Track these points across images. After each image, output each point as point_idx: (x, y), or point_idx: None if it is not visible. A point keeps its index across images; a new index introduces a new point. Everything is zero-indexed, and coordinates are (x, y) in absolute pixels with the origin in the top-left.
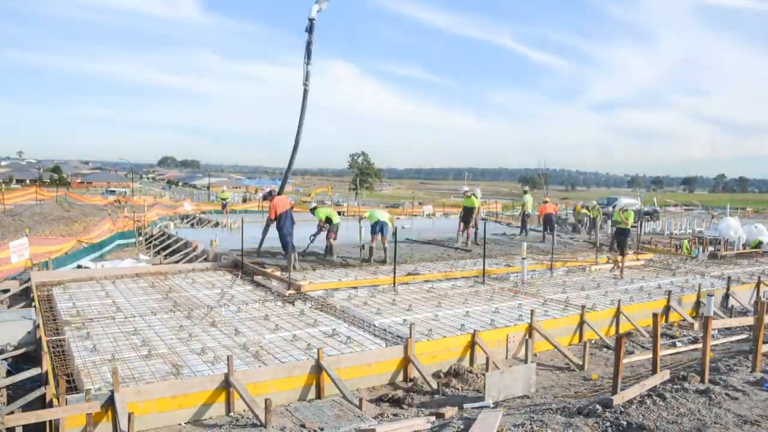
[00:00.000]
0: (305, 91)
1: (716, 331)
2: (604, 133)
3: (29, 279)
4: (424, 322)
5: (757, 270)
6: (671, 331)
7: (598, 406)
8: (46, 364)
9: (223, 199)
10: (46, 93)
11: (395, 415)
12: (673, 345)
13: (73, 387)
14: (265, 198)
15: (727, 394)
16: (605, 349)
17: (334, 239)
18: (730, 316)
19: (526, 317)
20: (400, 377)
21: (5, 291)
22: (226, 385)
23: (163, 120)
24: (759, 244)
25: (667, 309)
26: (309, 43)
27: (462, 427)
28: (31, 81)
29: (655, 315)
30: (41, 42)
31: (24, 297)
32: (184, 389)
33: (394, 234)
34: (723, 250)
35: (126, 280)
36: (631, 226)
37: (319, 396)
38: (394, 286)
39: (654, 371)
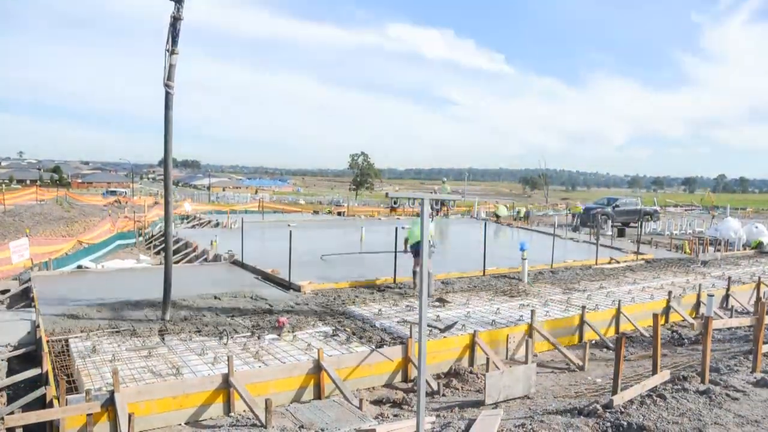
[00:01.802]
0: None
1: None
2: None
3: (29, 279)
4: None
5: (758, 270)
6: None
7: (598, 407)
8: (46, 364)
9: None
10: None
11: (396, 415)
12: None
13: (73, 387)
14: None
15: (727, 395)
16: (605, 350)
17: None
18: (731, 317)
19: (526, 317)
20: (401, 378)
21: (5, 291)
22: (227, 386)
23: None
24: (759, 245)
25: (668, 309)
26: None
27: (462, 427)
28: None
29: (655, 315)
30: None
31: (24, 297)
32: (184, 389)
33: None
34: (723, 250)
35: None
36: None
37: (319, 396)
38: (394, 284)
39: (654, 371)
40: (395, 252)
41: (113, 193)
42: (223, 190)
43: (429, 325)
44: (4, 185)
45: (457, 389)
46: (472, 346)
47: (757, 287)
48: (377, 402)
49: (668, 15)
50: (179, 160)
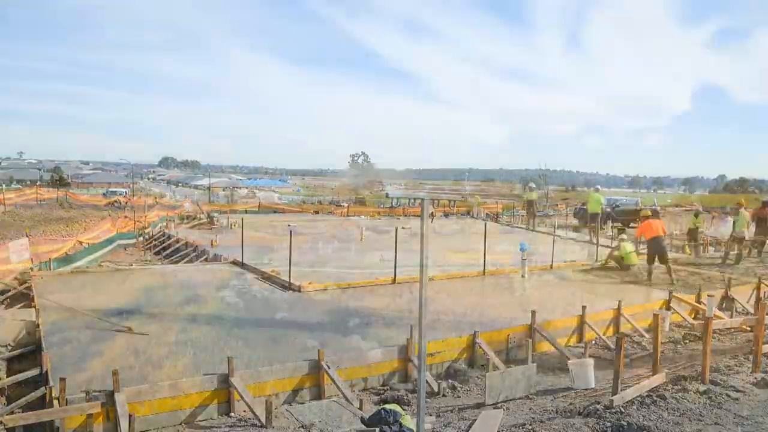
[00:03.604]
0: None
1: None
2: None
3: (29, 279)
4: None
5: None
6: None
7: (598, 407)
8: (46, 364)
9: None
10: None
11: None
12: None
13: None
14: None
15: (727, 395)
16: (605, 350)
17: None
18: (731, 317)
19: (526, 317)
20: (401, 378)
21: (5, 291)
22: (227, 386)
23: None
24: None
25: (668, 310)
26: None
27: (463, 427)
28: None
29: (655, 315)
30: None
31: (24, 297)
32: (184, 390)
33: None
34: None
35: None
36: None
37: (319, 396)
38: (394, 284)
39: (654, 372)
40: (395, 252)
41: (114, 193)
42: (223, 190)
43: None
44: (4, 185)
45: (457, 389)
46: (472, 346)
47: (757, 287)
48: (377, 402)
49: None
50: (179, 159)
